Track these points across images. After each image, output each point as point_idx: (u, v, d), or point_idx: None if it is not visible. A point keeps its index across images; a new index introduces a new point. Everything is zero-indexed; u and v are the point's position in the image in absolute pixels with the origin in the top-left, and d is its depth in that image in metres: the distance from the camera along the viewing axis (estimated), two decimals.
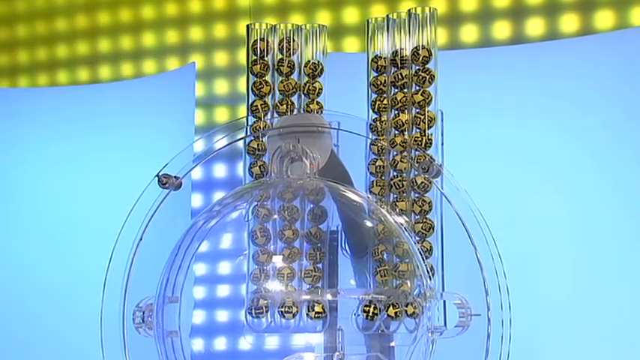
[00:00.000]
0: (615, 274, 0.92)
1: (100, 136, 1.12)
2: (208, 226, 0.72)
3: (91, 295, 0.72)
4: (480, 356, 0.65)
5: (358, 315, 0.67)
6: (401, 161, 0.69)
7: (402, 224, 0.69)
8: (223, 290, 0.79)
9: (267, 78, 0.75)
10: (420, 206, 0.69)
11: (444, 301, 0.67)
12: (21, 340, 1.16)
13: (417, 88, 0.71)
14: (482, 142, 0.91)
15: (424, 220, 0.69)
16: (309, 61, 0.75)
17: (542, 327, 0.93)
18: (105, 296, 0.70)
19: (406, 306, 0.67)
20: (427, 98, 0.70)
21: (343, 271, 0.71)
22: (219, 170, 1.08)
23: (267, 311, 0.69)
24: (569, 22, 0.96)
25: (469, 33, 0.98)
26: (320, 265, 0.70)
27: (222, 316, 0.86)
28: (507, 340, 0.65)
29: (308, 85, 0.74)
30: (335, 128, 0.70)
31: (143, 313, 0.69)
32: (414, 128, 0.71)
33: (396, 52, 0.71)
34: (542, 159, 0.92)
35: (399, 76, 0.71)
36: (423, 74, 0.70)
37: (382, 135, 0.71)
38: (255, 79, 0.74)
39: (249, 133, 0.74)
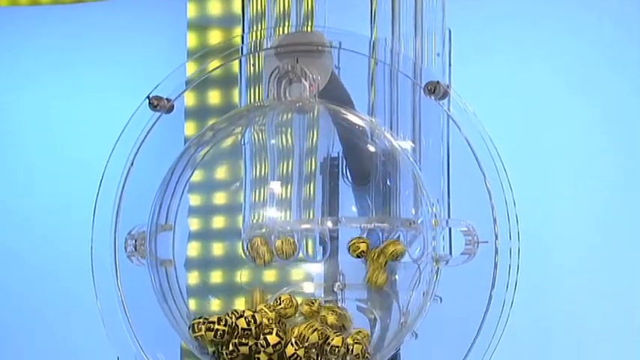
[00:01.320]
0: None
1: (86, 57, 1.11)
2: (203, 152, 0.71)
3: (80, 226, 0.72)
4: (487, 287, 0.66)
5: None
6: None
7: (406, 149, 0.69)
8: (219, 221, 0.79)
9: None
10: None
11: (450, 229, 0.67)
12: (6, 282, 1.17)
13: None
14: (492, 62, 0.90)
15: None
16: None
17: (554, 257, 0.94)
18: (95, 225, 0.71)
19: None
20: None
21: (344, 198, 0.72)
22: (214, 97, 1.06)
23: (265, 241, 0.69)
24: None
25: None
26: (320, 197, 0.70)
27: (219, 248, 0.87)
28: (515, 271, 0.65)
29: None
30: (336, 47, 0.70)
31: (135, 241, 0.70)
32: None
33: None
34: (559, 76, 0.91)
35: None
36: None
37: None
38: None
39: (244, 53, 0.73)
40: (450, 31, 0.72)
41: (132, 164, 0.70)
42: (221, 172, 0.74)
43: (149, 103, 0.70)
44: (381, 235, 0.68)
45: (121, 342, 0.69)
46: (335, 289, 0.69)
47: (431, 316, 0.66)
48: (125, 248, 0.70)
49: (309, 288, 0.70)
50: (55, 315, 1.15)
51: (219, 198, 0.75)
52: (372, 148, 0.70)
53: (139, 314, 0.70)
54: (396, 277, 0.69)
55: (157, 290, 0.69)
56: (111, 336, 0.69)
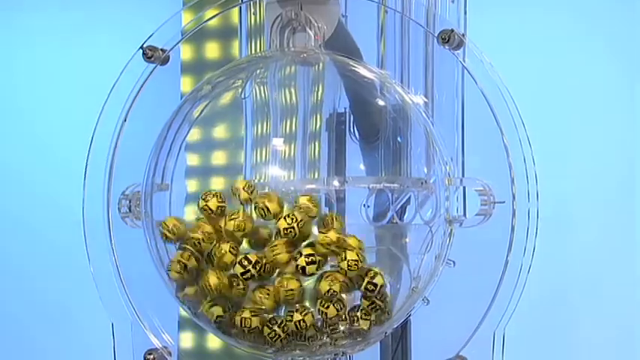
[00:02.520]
0: None
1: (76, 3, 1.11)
2: (200, 108, 0.70)
3: (70, 185, 0.72)
4: (503, 250, 0.65)
5: (368, 206, 0.67)
6: None
7: (418, 104, 0.68)
8: (218, 182, 0.78)
9: None
10: None
11: (464, 189, 0.67)
12: None
13: None
14: (508, 12, 0.90)
15: None
16: None
17: (574, 220, 0.94)
18: (87, 184, 0.70)
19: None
20: None
21: (351, 157, 0.71)
22: (212, 50, 1.05)
23: None
24: None
25: None
26: (325, 155, 0.69)
27: None
28: (533, 234, 0.65)
29: None
30: None
31: (130, 201, 0.69)
32: None
33: None
34: (579, 27, 0.91)
35: None
36: None
37: None
38: None
39: (244, 1, 0.72)
40: None
41: (125, 120, 0.69)
42: (220, 130, 0.73)
43: (143, 53, 0.69)
44: (390, 195, 0.68)
45: (115, 308, 0.69)
46: None
47: (443, 281, 0.66)
48: (119, 209, 0.69)
49: None
50: (47, 279, 1.16)
51: (219, 157, 0.75)
52: (381, 103, 0.69)
53: (135, 279, 0.70)
54: (407, 240, 0.69)
55: (153, 254, 0.69)
56: (105, 302, 0.69)
